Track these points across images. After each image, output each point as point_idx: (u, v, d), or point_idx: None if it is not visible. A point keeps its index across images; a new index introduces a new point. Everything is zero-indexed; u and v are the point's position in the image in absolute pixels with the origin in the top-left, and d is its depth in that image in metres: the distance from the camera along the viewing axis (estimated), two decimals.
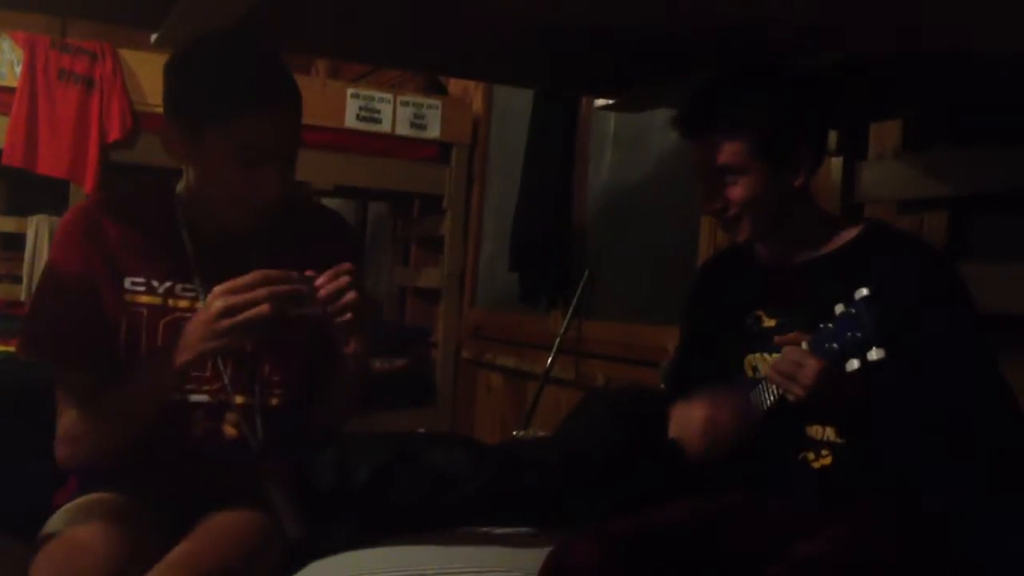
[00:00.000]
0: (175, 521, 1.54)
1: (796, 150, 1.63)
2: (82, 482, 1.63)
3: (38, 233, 3.94)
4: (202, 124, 1.49)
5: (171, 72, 1.56)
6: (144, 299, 1.58)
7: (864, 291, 1.42)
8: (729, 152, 1.61)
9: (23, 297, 3.86)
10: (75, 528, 1.46)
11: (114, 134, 3.71)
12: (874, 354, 1.39)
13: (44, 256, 3.71)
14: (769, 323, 1.69)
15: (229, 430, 1.61)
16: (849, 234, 1.67)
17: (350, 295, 1.42)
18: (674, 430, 1.65)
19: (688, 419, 1.63)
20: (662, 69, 1.94)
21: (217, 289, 1.43)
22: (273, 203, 1.53)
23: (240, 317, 1.40)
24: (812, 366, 1.44)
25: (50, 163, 3.68)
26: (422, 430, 3.32)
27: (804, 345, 1.48)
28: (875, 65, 1.72)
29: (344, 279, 1.43)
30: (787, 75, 1.66)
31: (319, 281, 1.43)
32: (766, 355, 1.67)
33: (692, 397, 1.66)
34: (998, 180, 2.06)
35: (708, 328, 1.81)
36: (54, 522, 1.53)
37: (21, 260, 4.03)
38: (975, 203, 2.16)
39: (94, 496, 1.55)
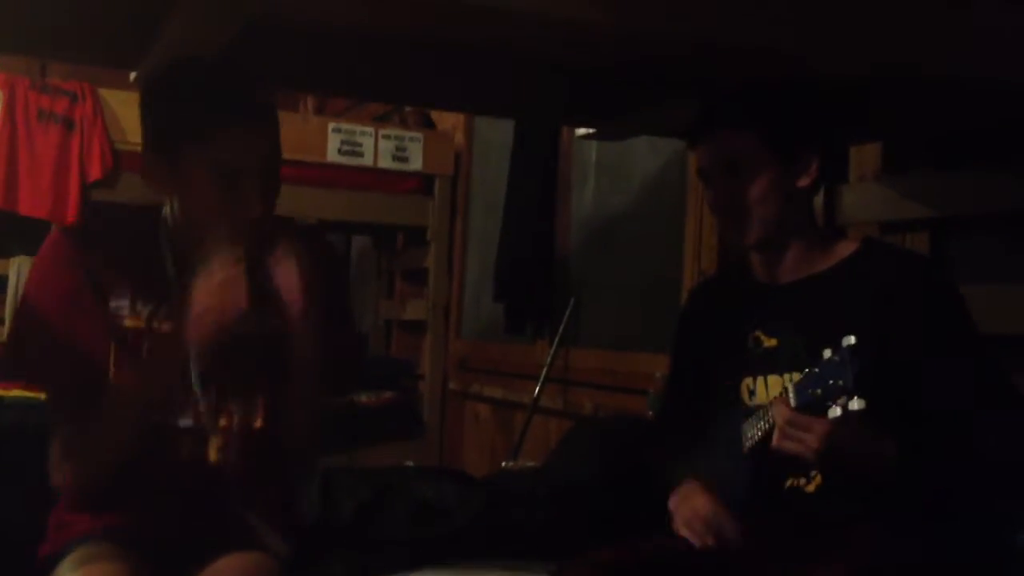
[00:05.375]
0: (168, 568, 1.53)
1: (804, 147, 1.63)
2: (66, 533, 1.60)
3: (20, 274, 3.91)
4: (178, 146, 1.50)
5: (146, 99, 1.57)
6: (128, 322, 1.58)
7: (851, 339, 1.40)
8: (741, 145, 1.60)
9: (5, 338, 3.83)
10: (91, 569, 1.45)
11: (95, 174, 3.71)
12: (855, 404, 1.38)
13: None
14: (770, 343, 1.66)
15: (213, 455, 1.59)
16: (846, 250, 1.66)
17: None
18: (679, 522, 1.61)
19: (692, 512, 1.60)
20: (642, 97, 1.95)
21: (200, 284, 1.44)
22: (253, 221, 1.53)
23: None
24: (817, 432, 1.42)
25: (31, 204, 3.66)
26: (410, 463, 3.30)
27: (790, 388, 1.46)
28: (860, 88, 1.73)
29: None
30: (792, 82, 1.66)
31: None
32: (764, 377, 1.64)
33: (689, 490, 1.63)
34: (978, 202, 2.08)
35: (701, 353, 1.79)
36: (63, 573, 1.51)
37: (3, 302, 4.00)
38: (955, 225, 2.18)
39: (91, 548, 1.53)
